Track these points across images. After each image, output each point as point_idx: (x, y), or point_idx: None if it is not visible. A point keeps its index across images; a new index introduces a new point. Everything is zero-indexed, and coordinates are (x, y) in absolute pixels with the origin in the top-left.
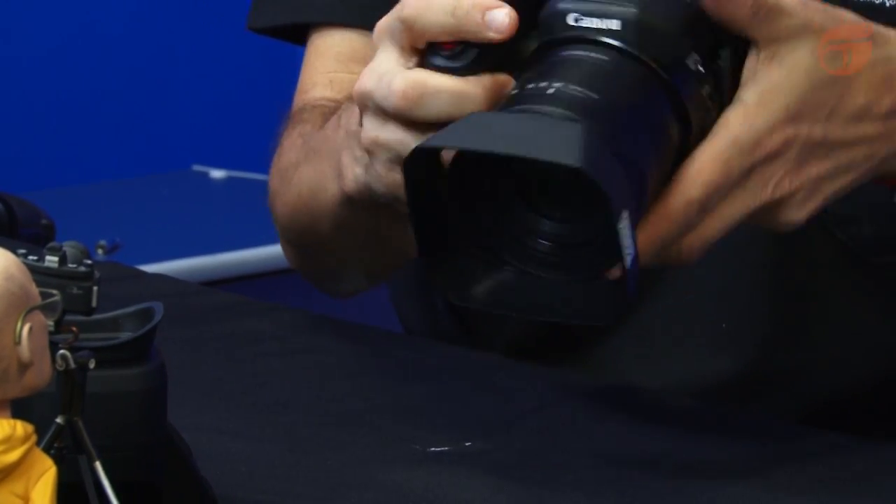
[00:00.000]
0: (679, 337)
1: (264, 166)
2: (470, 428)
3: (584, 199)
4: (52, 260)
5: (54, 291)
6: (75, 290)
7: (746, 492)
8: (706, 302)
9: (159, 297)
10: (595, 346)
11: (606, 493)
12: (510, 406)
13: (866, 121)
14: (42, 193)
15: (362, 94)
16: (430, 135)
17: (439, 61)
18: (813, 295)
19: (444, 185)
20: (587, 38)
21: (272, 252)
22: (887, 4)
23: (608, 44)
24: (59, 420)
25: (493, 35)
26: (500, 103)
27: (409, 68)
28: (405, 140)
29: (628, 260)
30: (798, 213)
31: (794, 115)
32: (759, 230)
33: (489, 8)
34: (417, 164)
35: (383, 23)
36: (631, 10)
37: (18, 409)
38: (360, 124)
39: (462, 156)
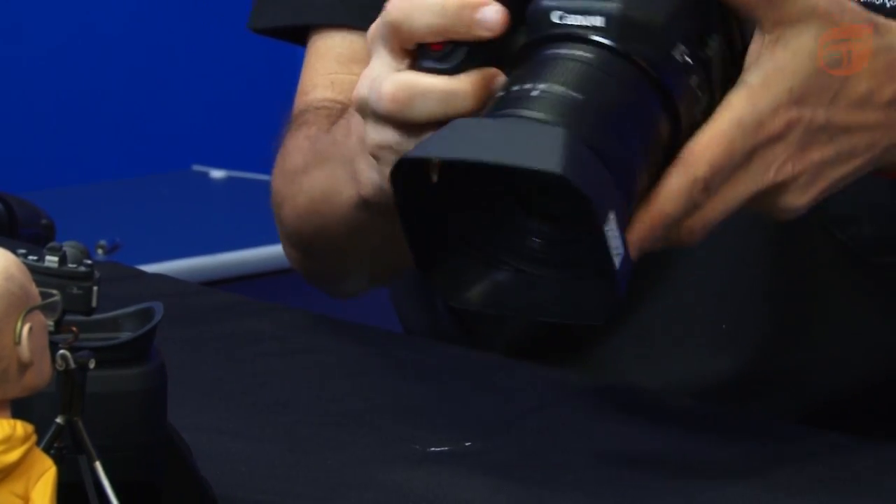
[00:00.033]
0: (679, 337)
1: (264, 166)
2: (470, 428)
3: (572, 201)
4: (52, 260)
5: (54, 291)
6: (75, 290)
7: (746, 492)
8: (706, 302)
9: (159, 297)
10: (595, 346)
11: (606, 493)
12: (510, 406)
13: (868, 108)
14: (42, 193)
15: (359, 101)
16: (427, 134)
17: (429, 63)
18: (813, 295)
19: (435, 189)
20: (572, 36)
21: (272, 252)
22: (888, 5)
23: (593, 41)
24: (59, 420)
25: (483, 33)
26: (486, 106)
27: (399, 71)
28: (403, 143)
29: (617, 261)
30: (799, 199)
31: (798, 98)
32: (759, 230)
33: (479, 6)
34: (405, 174)
35: (374, 27)
36: (614, 6)
37: (18, 409)
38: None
39: (449, 162)
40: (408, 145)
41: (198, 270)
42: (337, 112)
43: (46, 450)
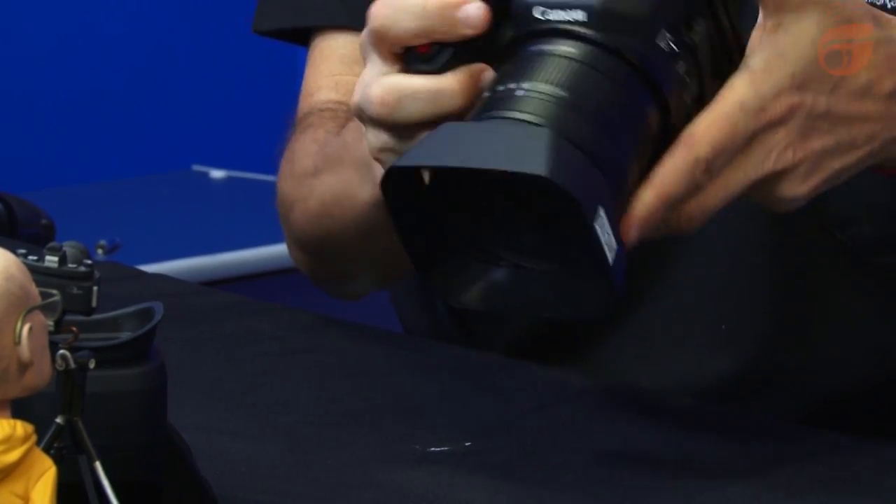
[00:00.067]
0: (679, 337)
1: (264, 166)
2: (470, 428)
3: (562, 200)
4: (52, 260)
5: (54, 291)
6: (75, 290)
7: (746, 492)
8: (706, 302)
9: (159, 297)
10: (595, 346)
11: (606, 493)
12: (510, 406)
13: (868, 99)
14: (42, 193)
15: (355, 108)
16: (422, 135)
17: (417, 65)
18: (813, 295)
19: (430, 191)
20: (555, 32)
21: (272, 252)
22: (889, 6)
23: (576, 35)
24: (59, 420)
25: (467, 31)
26: (475, 104)
27: (388, 74)
28: (399, 145)
29: (610, 256)
30: (799, 189)
31: (800, 84)
32: (759, 230)
33: (460, 4)
34: (396, 181)
35: (363, 35)
36: None
37: (18, 409)
38: None
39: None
40: (406, 147)
41: (198, 270)
42: (342, 113)
43: (46, 450)
